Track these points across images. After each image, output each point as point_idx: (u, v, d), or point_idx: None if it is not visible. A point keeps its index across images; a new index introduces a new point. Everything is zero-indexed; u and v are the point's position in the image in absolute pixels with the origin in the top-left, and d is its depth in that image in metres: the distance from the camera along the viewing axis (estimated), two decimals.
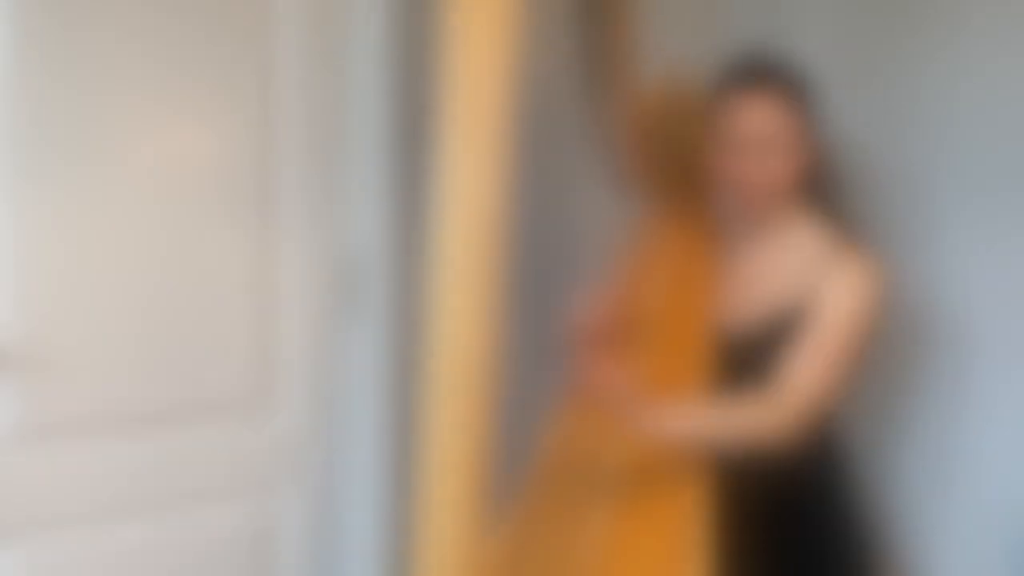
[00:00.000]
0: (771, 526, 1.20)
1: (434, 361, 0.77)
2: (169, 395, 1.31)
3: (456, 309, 0.76)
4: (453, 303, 0.76)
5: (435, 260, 0.76)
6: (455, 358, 0.77)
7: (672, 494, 1.08)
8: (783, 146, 1.18)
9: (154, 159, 1.27)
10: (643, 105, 1.22)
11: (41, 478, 1.22)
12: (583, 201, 1.17)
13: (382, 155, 1.44)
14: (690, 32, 1.68)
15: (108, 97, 1.22)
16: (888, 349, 1.62)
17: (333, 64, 1.40)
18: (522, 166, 0.85)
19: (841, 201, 1.27)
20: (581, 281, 1.17)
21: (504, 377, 0.84)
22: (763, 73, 1.20)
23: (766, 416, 1.12)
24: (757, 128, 1.17)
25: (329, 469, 1.46)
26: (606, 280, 1.29)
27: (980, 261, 1.53)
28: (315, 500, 1.46)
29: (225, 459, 1.37)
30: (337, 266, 1.44)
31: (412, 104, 1.45)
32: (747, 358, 1.22)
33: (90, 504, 1.26)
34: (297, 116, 1.38)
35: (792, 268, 1.23)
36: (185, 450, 1.33)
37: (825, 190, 1.25)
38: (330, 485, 1.47)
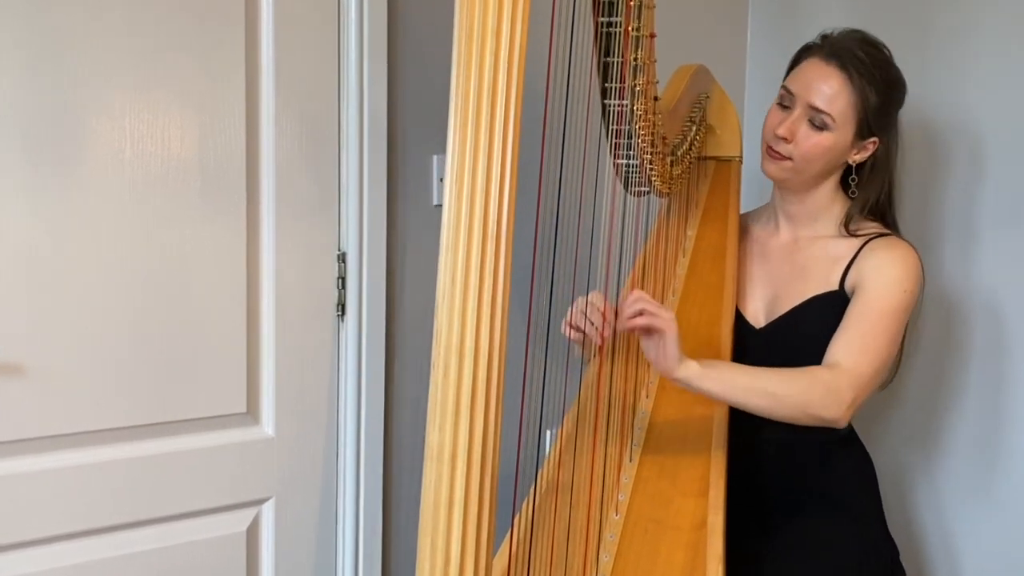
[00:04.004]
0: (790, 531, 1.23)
1: (439, 361, 0.80)
2: (154, 403, 1.32)
3: (462, 307, 0.80)
4: (458, 301, 0.80)
5: (442, 252, 0.80)
6: (462, 358, 0.80)
7: (688, 512, 1.10)
8: (834, 122, 1.23)
9: (133, 152, 1.27)
10: (662, 99, 1.28)
11: (27, 490, 1.23)
12: (600, 201, 1.21)
13: (375, 150, 1.45)
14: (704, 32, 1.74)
15: (82, 86, 1.22)
16: (928, 351, 1.64)
17: (323, 53, 1.42)
18: (534, 161, 0.89)
19: (887, 198, 1.31)
20: (598, 283, 1.20)
21: (514, 378, 0.87)
22: (846, 48, 1.24)
23: (819, 380, 1.13)
24: (815, 92, 1.23)
25: (317, 476, 1.48)
26: (625, 284, 1.33)
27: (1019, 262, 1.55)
28: (305, 508, 1.47)
29: (213, 468, 1.38)
30: (326, 266, 1.46)
31: (403, 96, 1.47)
32: (792, 345, 1.25)
33: (74, 516, 1.27)
34: (285, 108, 1.38)
35: (836, 254, 1.27)
36: (173, 459, 1.34)
37: (875, 188, 1.29)
38: (318, 492, 1.48)
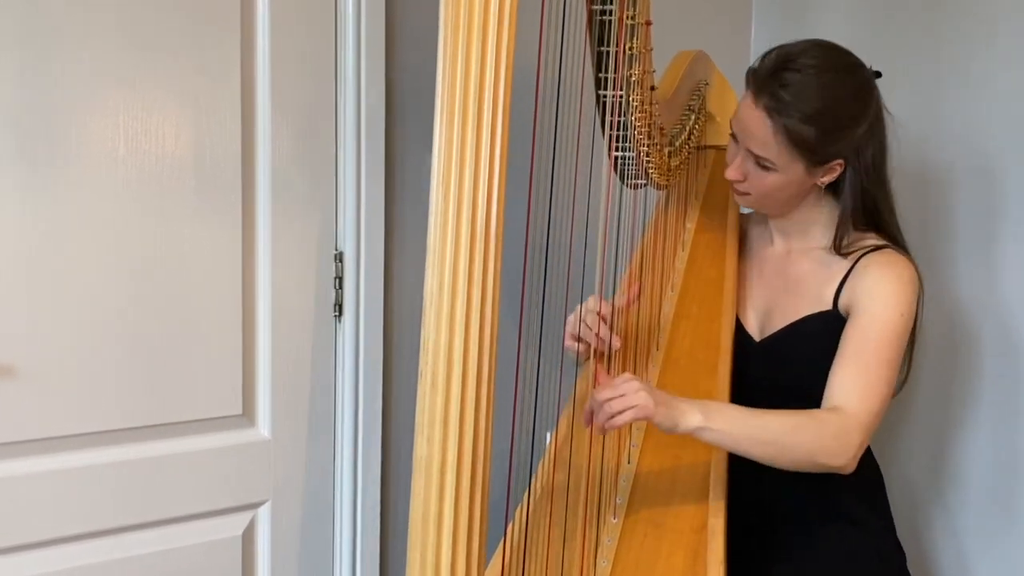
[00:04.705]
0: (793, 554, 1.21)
1: (426, 369, 0.78)
2: (149, 405, 1.31)
3: (450, 313, 0.78)
4: (446, 306, 0.78)
5: (429, 256, 0.78)
6: (450, 366, 0.78)
7: (688, 514, 1.09)
8: (775, 164, 1.17)
9: (127, 150, 1.26)
10: (659, 88, 1.25)
11: (19, 492, 1.23)
12: (595, 195, 1.19)
13: (372, 147, 1.44)
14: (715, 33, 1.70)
15: (76, 83, 1.21)
16: (938, 365, 1.60)
17: (320, 48, 1.40)
18: (525, 155, 0.87)
19: (880, 221, 1.24)
20: (594, 281, 1.18)
21: (506, 381, 0.86)
22: (769, 82, 1.15)
23: (827, 427, 1.10)
24: (748, 137, 1.18)
25: (314, 479, 1.47)
26: (622, 280, 1.31)
27: None
28: (302, 511, 1.46)
29: (208, 471, 1.37)
30: (323, 265, 1.45)
31: (400, 92, 1.46)
32: (788, 363, 1.23)
33: (67, 520, 1.27)
34: (281, 104, 1.37)
35: (829, 269, 1.23)
36: (167, 462, 1.34)
37: (854, 202, 1.22)
38: (315, 495, 1.47)
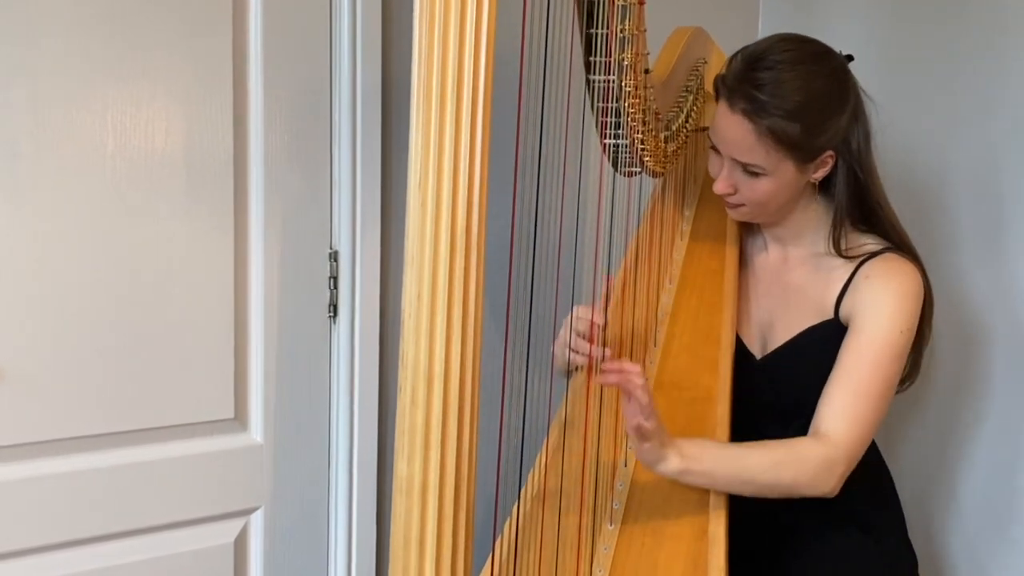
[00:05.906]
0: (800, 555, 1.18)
1: (405, 385, 0.75)
2: (138, 409, 1.30)
3: (429, 327, 0.74)
4: (425, 320, 0.74)
5: (407, 263, 0.74)
6: (430, 383, 0.74)
7: (688, 521, 1.06)
8: (764, 168, 1.13)
9: (116, 146, 1.24)
10: (654, 69, 1.19)
11: (3, 499, 1.21)
12: (585, 185, 1.15)
13: (368, 144, 1.41)
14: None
15: (62, 77, 1.19)
16: (950, 362, 1.57)
17: (314, 40, 1.38)
18: (510, 146, 0.82)
19: (877, 210, 1.19)
20: (586, 279, 1.14)
21: (492, 390, 0.82)
22: (741, 85, 1.11)
23: (809, 462, 1.08)
24: (731, 146, 1.14)
25: (308, 485, 1.46)
26: (616, 277, 1.27)
27: None
28: (296, 517, 1.45)
29: (199, 476, 1.36)
30: (317, 265, 1.42)
31: (398, 87, 1.42)
32: (794, 378, 1.19)
33: (54, 527, 1.25)
34: (274, 99, 1.35)
35: (829, 276, 1.20)
36: (157, 467, 1.32)
37: (849, 193, 1.18)
38: (309, 501, 1.46)
